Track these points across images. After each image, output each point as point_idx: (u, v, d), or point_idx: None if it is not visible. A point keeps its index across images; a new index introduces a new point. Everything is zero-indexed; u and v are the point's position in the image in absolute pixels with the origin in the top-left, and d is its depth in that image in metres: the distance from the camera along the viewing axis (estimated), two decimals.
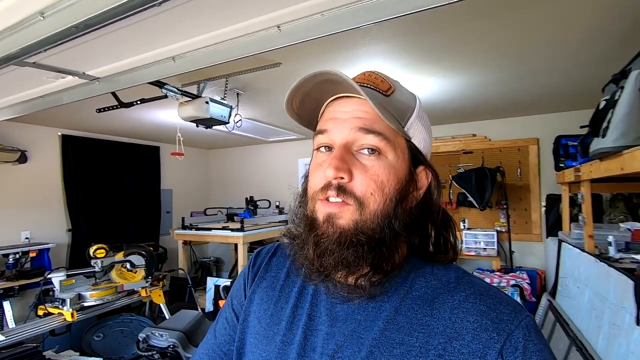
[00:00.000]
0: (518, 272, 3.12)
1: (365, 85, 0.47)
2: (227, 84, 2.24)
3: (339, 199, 0.43)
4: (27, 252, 3.23)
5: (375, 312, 0.45)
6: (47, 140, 3.70)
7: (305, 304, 0.50)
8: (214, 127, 2.57)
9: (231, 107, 2.31)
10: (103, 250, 2.35)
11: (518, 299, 2.50)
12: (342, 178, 0.43)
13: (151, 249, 2.62)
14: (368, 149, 0.44)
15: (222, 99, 2.27)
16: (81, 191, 3.91)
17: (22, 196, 3.47)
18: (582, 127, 2.48)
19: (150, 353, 1.06)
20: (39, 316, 2.24)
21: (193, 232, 4.06)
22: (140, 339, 1.14)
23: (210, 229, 3.95)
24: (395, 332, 0.43)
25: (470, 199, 3.35)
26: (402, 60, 2.08)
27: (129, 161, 4.43)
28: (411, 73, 2.29)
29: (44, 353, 2.00)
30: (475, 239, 3.49)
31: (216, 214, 4.63)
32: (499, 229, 3.55)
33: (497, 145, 3.71)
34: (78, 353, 2.21)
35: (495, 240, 3.42)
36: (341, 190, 0.43)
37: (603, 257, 1.92)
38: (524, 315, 0.43)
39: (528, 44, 1.87)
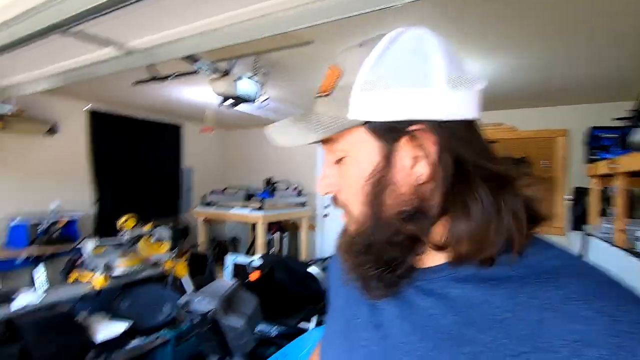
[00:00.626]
0: None
1: (317, 95, 0.45)
2: (256, 61, 2.23)
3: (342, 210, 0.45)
4: (56, 222, 3.35)
5: (443, 301, 0.39)
6: (76, 113, 3.78)
7: None
8: (238, 106, 2.58)
9: (260, 86, 2.31)
10: (132, 221, 2.43)
11: None
12: (331, 192, 0.46)
13: (176, 223, 2.69)
14: (335, 157, 0.44)
15: (252, 77, 2.27)
16: (107, 164, 4.01)
17: (51, 167, 3.59)
18: (616, 119, 2.40)
19: (190, 318, 1.11)
20: (70, 282, 2.34)
21: (213, 209, 4.14)
22: (180, 304, 1.18)
23: (230, 207, 4.02)
24: (466, 327, 0.36)
25: None
26: None
27: (152, 138, 4.50)
28: None
29: (76, 317, 2.11)
30: None
31: (235, 193, 4.70)
32: None
33: (523, 135, 3.62)
34: (109, 315, 2.32)
35: None
36: (335, 200, 0.45)
37: (632, 251, 1.89)
38: None
39: (572, 25, 1.80)
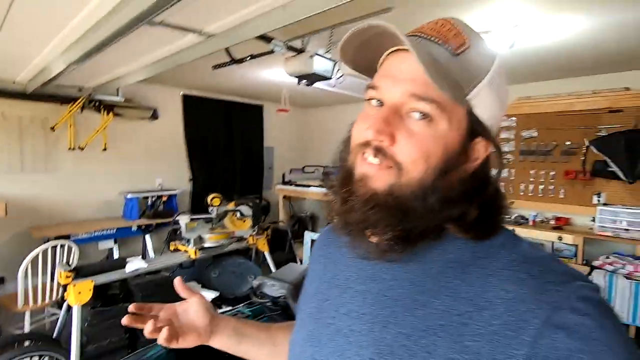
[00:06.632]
0: None
1: (431, 39, 0.41)
2: (331, 36, 2.13)
3: (376, 160, 0.42)
4: (160, 197, 3.81)
5: (402, 272, 0.44)
6: (173, 99, 4.18)
7: (344, 267, 0.51)
8: (315, 84, 2.53)
9: (335, 62, 2.22)
10: (218, 199, 2.61)
11: None
12: (382, 141, 0.41)
13: (257, 201, 2.83)
14: (419, 112, 0.40)
15: (326, 52, 2.18)
16: (199, 146, 4.39)
17: (155, 148, 4.06)
18: None
19: (264, 300, 1.14)
20: (171, 251, 2.64)
21: (292, 187, 4.27)
22: (254, 286, 1.23)
23: (308, 186, 4.09)
24: (420, 294, 0.41)
25: (614, 168, 2.74)
26: None
27: (237, 119, 4.77)
28: (553, 9, 1.85)
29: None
30: (615, 217, 2.89)
31: (313, 172, 4.77)
32: None
33: None
34: (200, 285, 2.57)
35: None
36: (380, 152, 0.41)
37: None
38: (579, 284, 0.36)
39: None
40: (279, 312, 1.11)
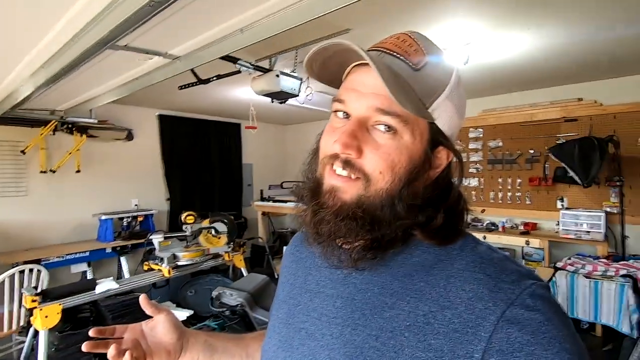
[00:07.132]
0: (632, 261, 2.64)
1: (393, 54, 0.44)
2: (296, 56, 2.23)
3: (345, 172, 0.44)
4: (136, 217, 3.77)
5: (371, 277, 0.46)
6: (148, 119, 4.20)
7: (315, 271, 0.53)
8: (287, 101, 2.61)
9: (301, 80, 2.31)
10: (192, 217, 2.62)
11: (630, 292, 2.12)
12: (350, 154, 0.43)
13: (232, 217, 2.84)
14: (384, 125, 0.43)
15: (292, 71, 2.27)
16: (176, 165, 4.39)
17: (131, 169, 4.04)
18: None
19: (222, 310, 1.16)
20: (145, 270, 2.61)
21: (271, 204, 4.30)
22: (213, 297, 1.25)
23: (286, 202, 4.13)
24: (388, 296, 0.43)
25: (572, 174, 2.90)
26: (489, 13, 1.81)
27: (214, 137, 4.81)
28: (500, 28, 2.00)
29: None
30: (576, 220, 3.03)
31: (292, 188, 4.81)
32: (608, 209, 3.02)
33: (610, 110, 3.11)
34: (175, 305, 2.54)
35: (602, 222, 2.92)
36: (348, 164, 0.43)
37: None
38: (530, 282, 0.39)
39: None
40: (237, 320, 1.14)
